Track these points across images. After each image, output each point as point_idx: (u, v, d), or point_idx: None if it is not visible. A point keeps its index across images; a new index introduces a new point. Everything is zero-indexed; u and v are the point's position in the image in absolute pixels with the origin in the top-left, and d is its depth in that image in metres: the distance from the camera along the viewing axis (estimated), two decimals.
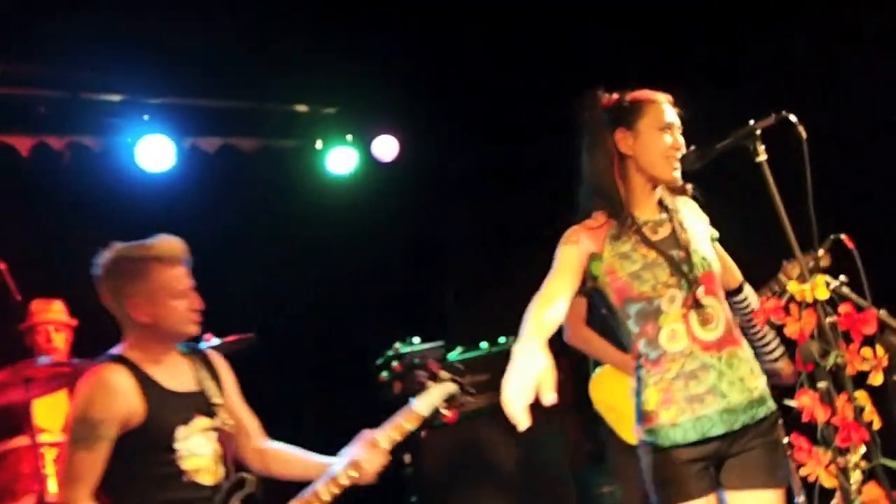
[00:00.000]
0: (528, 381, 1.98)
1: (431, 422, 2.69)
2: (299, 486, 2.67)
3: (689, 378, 2.29)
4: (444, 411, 2.72)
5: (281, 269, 5.39)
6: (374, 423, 4.89)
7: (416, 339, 4.64)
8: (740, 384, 2.29)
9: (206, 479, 2.50)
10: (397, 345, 4.59)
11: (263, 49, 4.88)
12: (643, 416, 2.34)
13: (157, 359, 2.54)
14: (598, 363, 3.73)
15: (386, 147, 5.75)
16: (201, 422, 2.53)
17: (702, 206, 2.50)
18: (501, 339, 4.63)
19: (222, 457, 2.60)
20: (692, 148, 2.24)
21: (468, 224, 6.15)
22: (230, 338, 3.74)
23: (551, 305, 2.26)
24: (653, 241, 2.34)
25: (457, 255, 6.28)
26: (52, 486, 3.62)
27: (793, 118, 1.99)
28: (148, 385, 2.47)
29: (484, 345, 4.59)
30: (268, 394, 3.36)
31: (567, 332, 3.70)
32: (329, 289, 5.44)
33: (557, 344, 4.76)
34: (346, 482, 2.59)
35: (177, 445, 2.46)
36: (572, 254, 2.38)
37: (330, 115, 5.73)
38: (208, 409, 2.57)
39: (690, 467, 2.29)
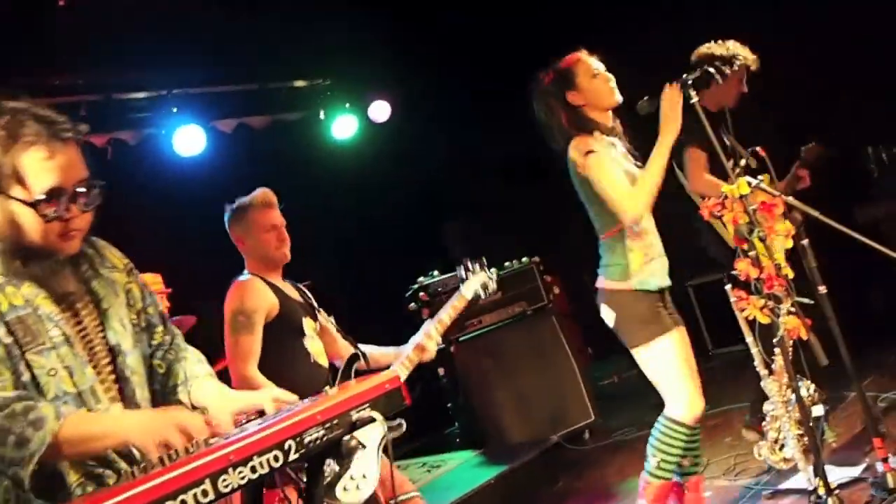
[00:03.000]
0: None
1: (475, 301, 3.43)
2: None
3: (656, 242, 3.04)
4: (482, 294, 3.45)
5: (303, 227, 6.07)
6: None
7: (435, 272, 5.39)
8: None
9: (322, 362, 3.23)
10: (421, 279, 5.35)
11: (263, 35, 5.53)
12: (630, 272, 2.95)
13: (271, 277, 3.29)
14: None
15: (380, 110, 6.48)
16: (312, 322, 3.29)
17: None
18: (507, 264, 5.36)
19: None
20: (644, 98, 2.94)
21: (462, 166, 6.89)
22: None
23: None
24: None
25: (456, 194, 7.01)
26: None
27: (712, 70, 2.77)
28: (275, 289, 3.23)
29: (492, 270, 5.31)
30: None
31: (691, 183, 3.89)
32: (350, 239, 6.12)
33: (552, 261, 5.51)
34: (415, 359, 3.24)
35: (305, 332, 3.20)
36: (609, 155, 2.96)
37: (327, 86, 6.43)
38: (314, 314, 3.33)
39: (663, 307, 3.01)
